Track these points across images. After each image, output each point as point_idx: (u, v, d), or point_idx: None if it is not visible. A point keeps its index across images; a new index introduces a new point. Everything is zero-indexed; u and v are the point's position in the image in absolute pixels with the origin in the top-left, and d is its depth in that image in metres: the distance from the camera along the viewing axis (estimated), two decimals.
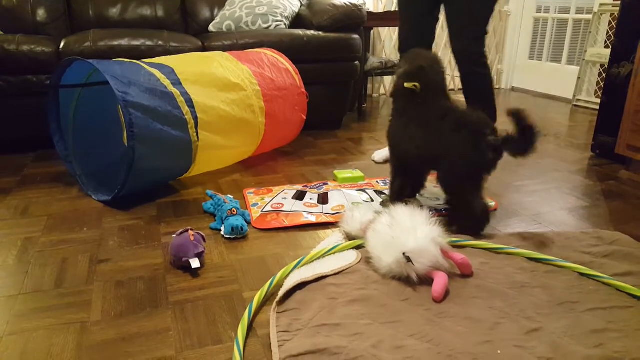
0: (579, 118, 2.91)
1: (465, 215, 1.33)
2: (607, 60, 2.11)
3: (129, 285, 1.09)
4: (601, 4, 3.10)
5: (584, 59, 3.17)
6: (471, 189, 1.30)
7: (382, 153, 2.04)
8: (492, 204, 1.56)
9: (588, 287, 1.08)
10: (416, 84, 1.34)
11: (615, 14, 2.91)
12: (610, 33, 3.05)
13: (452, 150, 1.29)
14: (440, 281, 1.04)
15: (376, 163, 2.02)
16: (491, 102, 1.76)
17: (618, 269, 1.15)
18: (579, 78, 3.21)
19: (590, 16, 3.22)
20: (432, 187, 1.62)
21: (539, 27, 3.74)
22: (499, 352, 0.87)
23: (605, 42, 3.10)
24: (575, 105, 3.26)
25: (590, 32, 3.14)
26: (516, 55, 3.87)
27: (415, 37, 1.83)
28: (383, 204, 1.53)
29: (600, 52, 3.05)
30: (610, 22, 3.07)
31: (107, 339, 0.92)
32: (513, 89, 3.92)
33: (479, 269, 1.14)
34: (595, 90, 3.19)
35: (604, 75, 3.06)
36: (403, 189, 1.50)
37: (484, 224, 1.33)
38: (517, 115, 1.17)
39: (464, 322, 0.96)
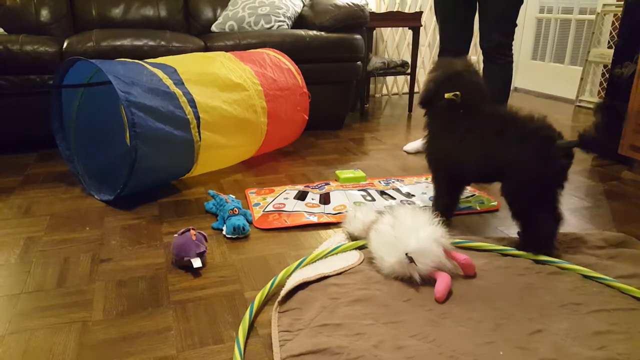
0: (582, 118, 2.90)
1: (528, 232, 1.21)
2: (610, 61, 2.11)
3: (130, 285, 1.09)
4: (604, 5, 3.09)
5: (587, 60, 3.16)
6: (540, 202, 1.18)
7: (414, 145, 2.19)
8: (494, 203, 1.56)
9: (592, 288, 1.07)
10: (457, 92, 1.26)
11: (619, 14, 2.90)
12: (614, 33, 3.04)
13: (520, 162, 1.16)
14: (442, 282, 1.03)
15: (408, 153, 2.17)
16: (509, 93, 1.94)
17: (623, 271, 1.14)
18: (582, 78, 3.20)
19: (593, 16, 3.20)
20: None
21: (542, 28, 3.73)
22: (501, 353, 0.86)
23: (609, 42, 3.09)
24: (578, 106, 3.25)
25: (594, 32, 3.13)
26: (519, 56, 3.86)
27: (457, 34, 1.96)
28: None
29: (603, 53, 3.04)
30: (613, 23, 3.06)
31: (109, 338, 0.92)
32: (516, 89, 3.91)
33: (482, 270, 1.13)
34: (599, 91, 3.18)
35: (607, 75, 3.05)
36: (451, 208, 1.40)
37: (548, 244, 1.20)
38: (608, 106, 1.10)
39: (466, 322, 0.95)
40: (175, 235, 1.18)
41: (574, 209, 1.55)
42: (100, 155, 1.79)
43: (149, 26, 2.54)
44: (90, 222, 1.41)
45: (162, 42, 2.15)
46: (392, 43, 3.52)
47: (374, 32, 3.32)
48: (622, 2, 2.12)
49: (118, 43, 2.08)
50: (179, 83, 1.54)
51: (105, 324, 0.96)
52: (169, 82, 1.52)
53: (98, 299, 1.04)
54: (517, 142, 1.16)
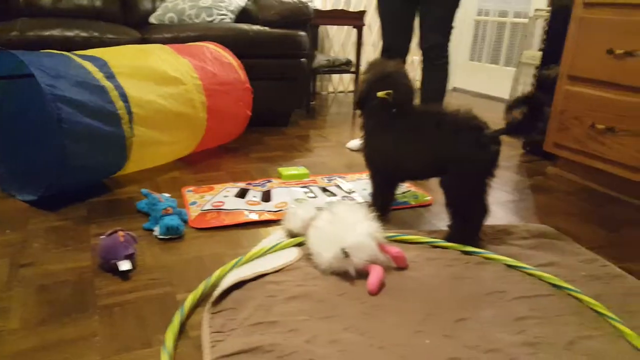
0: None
1: (458, 223, 1.26)
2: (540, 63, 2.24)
3: (53, 290, 1.03)
4: (536, 9, 3.28)
5: (520, 61, 3.33)
6: (474, 192, 1.24)
7: (357, 142, 2.19)
8: (427, 198, 1.61)
9: (514, 277, 1.13)
10: (389, 91, 1.29)
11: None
12: (544, 37, 3.22)
13: (457, 154, 1.21)
14: (375, 274, 1.06)
15: (351, 151, 2.18)
16: (445, 92, 2.02)
17: (542, 260, 1.21)
18: (515, 79, 3.38)
19: (527, 20, 3.38)
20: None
21: (479, 30, 3.90)
22: (427, 341, 0.89)
23: (540, 45, 3.27)
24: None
25: (526, 35, 3.31)
26: (457, 57, 4.01)
27: (398, 35, 2.01)
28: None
29: (534, 55, 3.22)
30: (544, 27, 3.24)
31: (26, 348, 0.86)
32: (455, 89, 4.07)
33: (413, 262, 1.17)
34: (529, 91, 3.36)
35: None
36: (388, 204, 1.45)
37: (474, 236, 1.27)
38: (530, 100, 1.17)
39: (397, 313, 0.98)
40: (102, 237, 1.12)
41: (502, 203, 1.63)
42: (26, 153, 1.68)
43: (81, 16, 2.40)
44: (11, 224, 1.32)
45: (95, 33, 2.05)
46: (338, 42, 3.55)
47: (319, 30, 3.34)
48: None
49: (46, 33, 1.96)
50: (110, 76, 1.47)
51: (23, 333, 0.90)
52: (99, 75, 1.45)
53: (16, 306, 0.97)
54: (451, 136, 1.22)
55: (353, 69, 3.08)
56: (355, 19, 2.94)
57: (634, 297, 1.08)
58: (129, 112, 1.46)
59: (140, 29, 2.27)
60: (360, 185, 1.72)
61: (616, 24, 1.66)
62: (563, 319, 0.98)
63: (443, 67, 1.97)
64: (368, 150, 1.40)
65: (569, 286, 1.08)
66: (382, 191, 1.43)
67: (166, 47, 1.79)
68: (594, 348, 0.90)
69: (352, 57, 3.19)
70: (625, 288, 1.11)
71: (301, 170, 1.80)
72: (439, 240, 1.27)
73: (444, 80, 2.00)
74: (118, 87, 1.46)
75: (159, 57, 1.68)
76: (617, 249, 1.34)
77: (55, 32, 1.98)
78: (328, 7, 3.39)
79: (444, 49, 1.95)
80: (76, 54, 1.52)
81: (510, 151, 2.27)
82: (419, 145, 1.28)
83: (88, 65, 1.45)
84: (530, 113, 1.17)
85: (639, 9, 1.60)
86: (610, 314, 0.99)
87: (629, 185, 1.71)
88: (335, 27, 3.48)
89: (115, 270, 1.09)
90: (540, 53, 2.37)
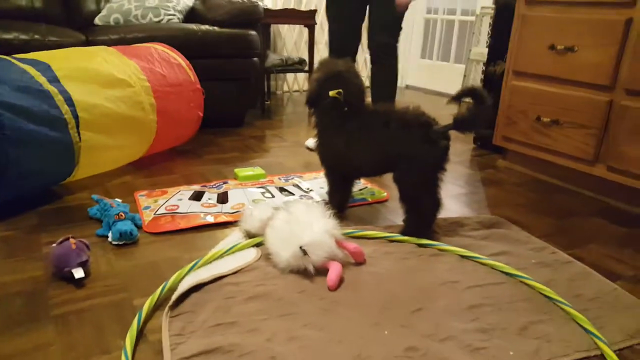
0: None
1: (412, 217, 1.30)
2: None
3: (4, 302, 0.98)
4: (482, 7, 3.41)
5: (468, 58, 3.46)
6: (426, 185, 1.27)
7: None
8: (384, 194, 1.65)
9: (467, 267, 1.18)
10: (340, 90, 1.31)
11: None
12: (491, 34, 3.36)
13: (408, 149, 1.24)
14: (334, 270, 1.07)
15: (310, 150, 2.18)
16: (395, 92, 2.04)
17: (494, 250, 1.26)
18: (465, 76, 3.50)
19: (473, 18, 3.51)
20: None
21: (429, 28, 4.01)
22: (385, 332, 0.92)
23: (487, 42, 3.41)
24: (462, 101, 3.55)
25: (474, 33, 3.44)
26: (409, 55, 4.11)
27: (347, 36, 2.02)
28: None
29: (482, 52, 3.35)
30: (491, 24, 3.38)
31: None
32: (407, 87, 4.16)
33: (371, 257, 1.19)
34: None
35: None
36: (344, 201, 1.48)
37: (428, 228, 1.31)
38: (473, 91, 1.21)
39: (355, 307, 1.00)
40: (53, 245, 1.08)
41: (454, 196, 1.70)
42: None
43: (21, 17, 2.28)
44: None
45: (36, 36, 1.96)
46: (291, 41, 3.55)
47: (271, 29, 3.33)
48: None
49: None
50: (54, 80, 1.41)
51: None
52: (42, 79, 1.39)
53: None
54: (401, 133, 1.25)
55: (307, 68, 3.09)
56: (306, 18, 2.95)
57: (581, 282, 1.14)
58: (75, 117, 1.41)
59: (85, 30, 2.19)
60: (318, 183, 1.74)
61: (556, 21, 1.75)
62: (515, 306, 1.03)
63: (392, 67, 2.00)
64: (321, 148, 1.43)
65: (520, 274, 1.13)
66: (338, 188, 1.46)
67: (111, 48, 1.73)
68: (545, 332, 0.95)
69: (305, 56, 3.20)
70: (572, 273, 1.17)
71: (257, 170, 1.79)
72: (395, 234, 1.30)
73: (393, 79, 2.03)
74: (63, 92, 1.40)
75: (104, 59, 1.62)
76: (565, 237, 1.41)
77: None
78: (279, 6, 3.38)
79: (393, 49, 1.98)
80: (16, 58, 1.45)
81: (462, 146, 2.36)
82: (371, 142, 1.31)
83: (30, 70, 1.39)
84: (475, 107, 1.22)
85: (576, 6, 1.69)
86: (559, 299, 1.04)
87: (575, 175, 1.81)
88: (286, 26, 3.48)
89: (69, 279, 1.06)
90: (487, 50, 2.47)
